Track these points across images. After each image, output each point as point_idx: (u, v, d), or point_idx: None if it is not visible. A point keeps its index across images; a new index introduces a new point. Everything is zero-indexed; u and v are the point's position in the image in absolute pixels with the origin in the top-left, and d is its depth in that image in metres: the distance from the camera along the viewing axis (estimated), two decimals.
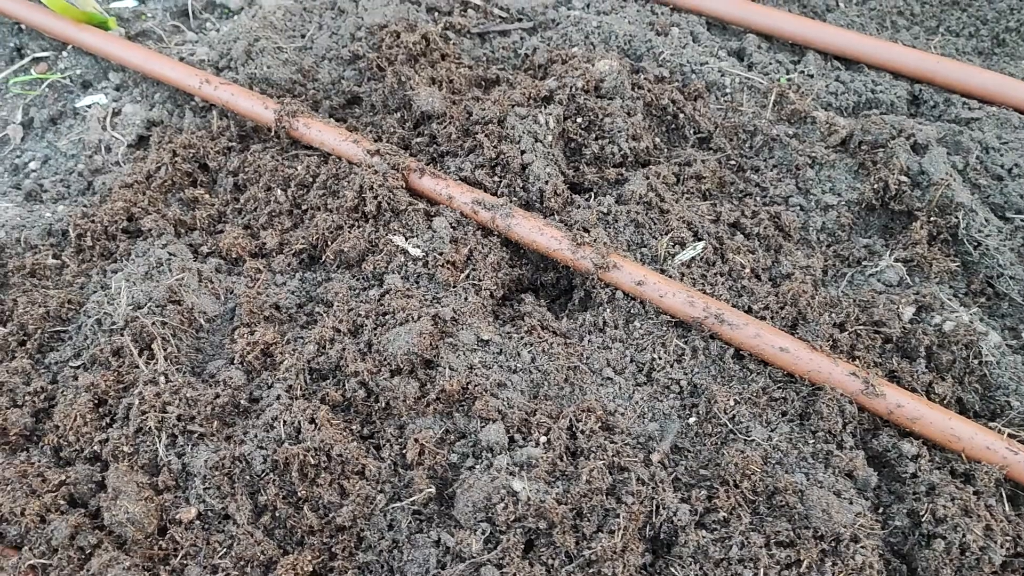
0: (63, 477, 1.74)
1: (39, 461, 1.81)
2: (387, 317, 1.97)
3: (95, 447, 1.80)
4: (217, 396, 1.84)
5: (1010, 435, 1.83)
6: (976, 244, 2.20)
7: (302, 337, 2.01)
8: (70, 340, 2.04)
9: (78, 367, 1.97)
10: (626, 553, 1.60)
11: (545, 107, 2.38)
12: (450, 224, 2.17)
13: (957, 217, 2.20)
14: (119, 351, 1.94)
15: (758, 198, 2.36)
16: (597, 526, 1.64)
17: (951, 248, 2.23)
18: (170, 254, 2.15)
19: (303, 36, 2.86)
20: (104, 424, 1.85)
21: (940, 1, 3.05)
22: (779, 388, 1.92)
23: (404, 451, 1.77)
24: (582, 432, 1.77)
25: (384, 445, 1.81)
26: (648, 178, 2.28)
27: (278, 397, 1.85)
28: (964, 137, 2.40)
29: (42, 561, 1.63)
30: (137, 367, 1.91)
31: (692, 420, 1.88)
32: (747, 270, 2.11)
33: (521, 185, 2.27)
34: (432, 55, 2.67)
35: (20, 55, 2.99)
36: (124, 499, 1.67)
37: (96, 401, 1.86)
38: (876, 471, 1.79)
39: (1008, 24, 2.92)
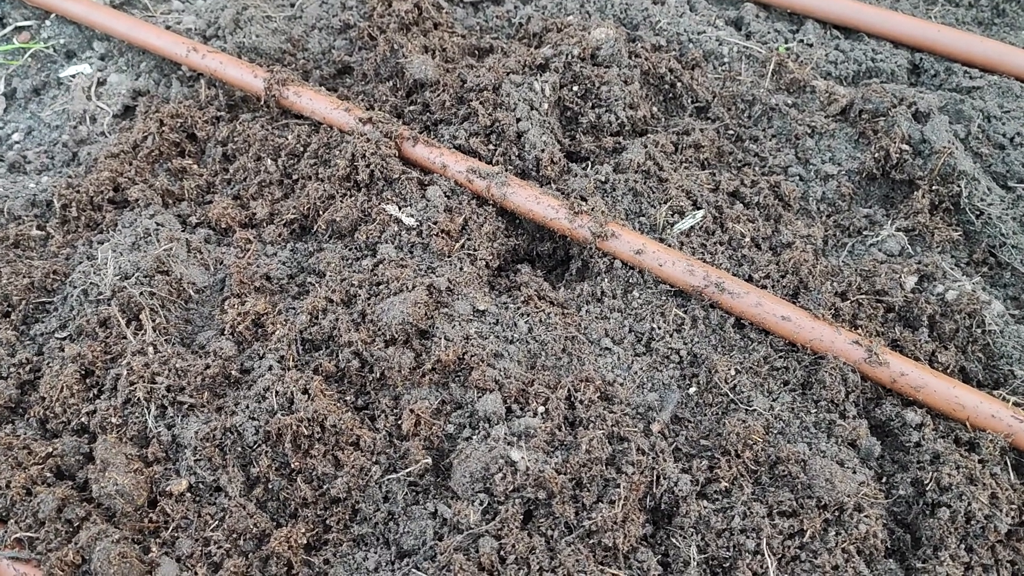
0: (50, 449, 1.71)
1: (25, 433, 1.77)
2: (381, 287, 1.93)
3: (82, 418, 1.76)
4: (207, 367, 1.80)
5: (1015, 403, 1.81)
6: (978, 213, 2.17)
7: (294, 307, 1.96)
8: (55, 311, 2.00)
9: (64, 338, 1.92)
10: (627, 523, 1.57)
11: (541, 75, 2.33)
12: (444, 193, 2.13)
13: (959, 186, 2.17)
14: (106, 322, 1.90)
15: (757, 167, 2.32)
16: (597, 496, 1.61)
17: (953, 217, 2.20)
18: (158, 224, 2.10)
19: (292, 5, 2.80)
20: (91, 395, 1.81)
21: None
22: (781, 357, 1.89)
23: (399, 422, 1.74)
24: (581, 402, 1.74)
25: (379, 416, 1.77)
26: (646, 147, 2.24)
27: (270, 368, 1.81)
28: (966, 106, 2.36)
29: (29, 534, 1.59)
30: (124, 338, 1.87)
31: (692, 390, 1.85)
32: (747, 239, 2.08)
33: (517, 153, 2.23)
34: (424, 24, 2.61)
35: (2, 24, 2.91)
36: (113, 471, 1.63)
37: (83, 372, 1.81)
38: (879, 440, 1.77)
39: None
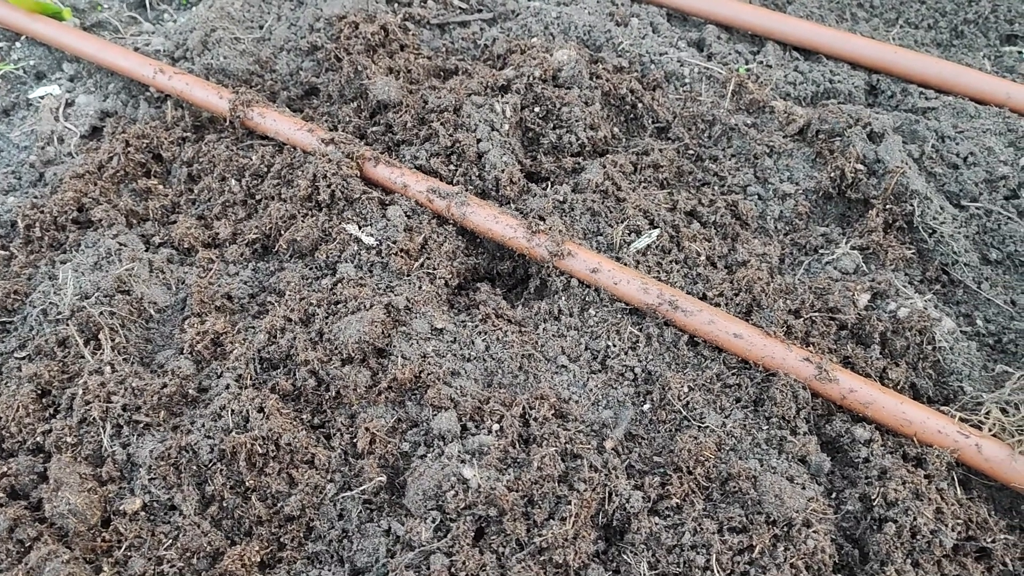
0: (4, 469, 1.70)
1: None
2: (339, 306, 1.94)
3: (38, 438, 1.76)
4: (164, 386, 1.81)
5: (962, 419, 1.83)
6: (931, 232, 2.20)
7: (253, 327, 1.98)
8: (15, 331, 2.00)
9: (23, 358, 1.92)
10: (578, 540, 1.59)
11: (502, 96, 2.37)
12: (405, 213, 2.15)
13: (912, 205, 2.21)
14: (64, 341, 1.90)
15: (716, 187, 2.35)
16: (548, 513, 1.62)
17: (906, 236, 2.24)
18: (120, 244, 2.11)
19: (261, 27, 2.83)
20: (47, 415, 1.81)
21: None
22: (733, 374, 1.91)
23: (355, 440, 1.75)
24: (535, 420, 1.76)
25: (335, 434, 1.78)
26: (605, 167, 2.27)
27: (227, 386, 1.82)
28: (920, 126, 2.41)
29: None
30: (82, 357, 1.88)
31: (646, 407, 1.87)
32: (702, 257, 2.11)
33: (477, 174, 2.25)
34: (391, 46, 2.64)
35: None
36: (66, 490, 1.63)
37: (39, 392, 1.82)
38: (829, 456, 1.79)
39: (966, 16, 2.94)
